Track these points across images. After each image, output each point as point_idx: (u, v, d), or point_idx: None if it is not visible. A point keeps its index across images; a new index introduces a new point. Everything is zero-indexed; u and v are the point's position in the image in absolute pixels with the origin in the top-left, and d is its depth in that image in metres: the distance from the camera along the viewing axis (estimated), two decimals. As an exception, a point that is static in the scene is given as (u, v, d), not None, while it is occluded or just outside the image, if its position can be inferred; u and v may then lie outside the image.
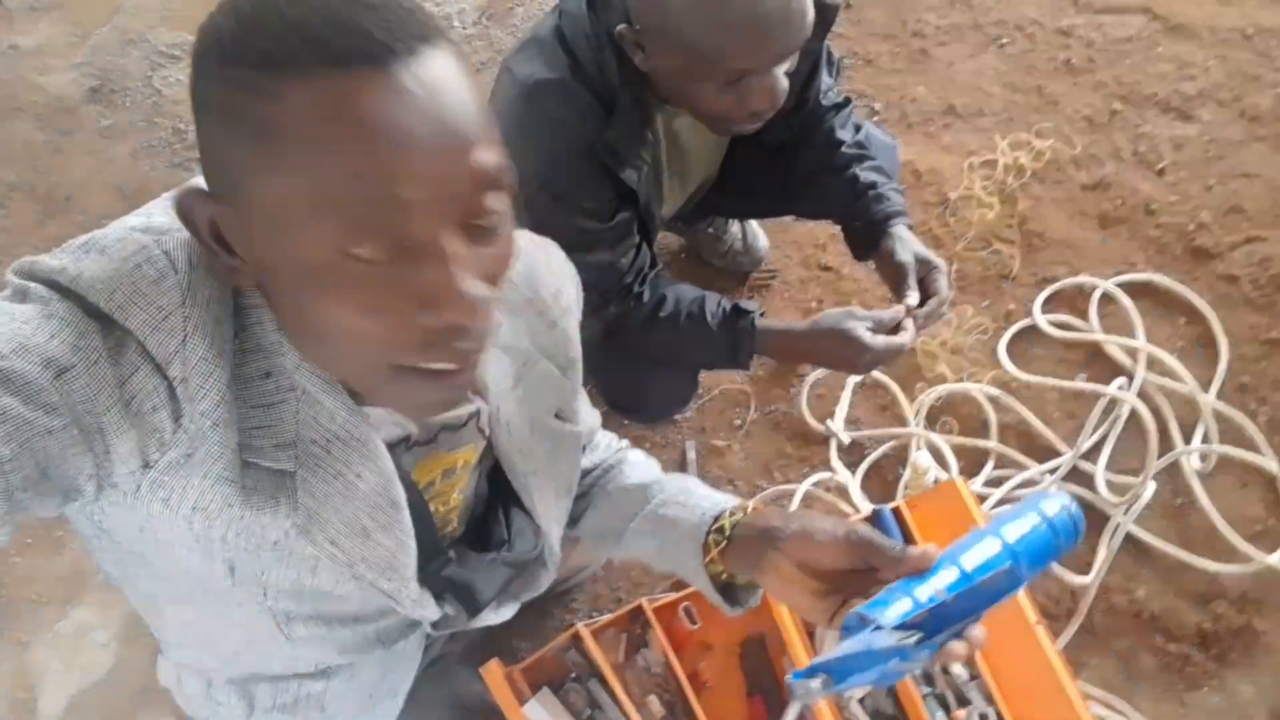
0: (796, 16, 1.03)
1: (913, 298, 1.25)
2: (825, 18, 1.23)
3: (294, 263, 0.55)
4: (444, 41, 0.54)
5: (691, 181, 1.45)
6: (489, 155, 0.55)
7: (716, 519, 0.83)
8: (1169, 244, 1.79)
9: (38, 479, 0.51)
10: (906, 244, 1.31)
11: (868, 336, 1.22)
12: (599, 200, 1.19)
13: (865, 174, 1.37)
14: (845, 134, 1.40)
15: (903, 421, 1.61)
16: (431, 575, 0.81)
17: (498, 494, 0.87)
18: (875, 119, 2.07)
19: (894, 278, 1.30)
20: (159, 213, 0.63)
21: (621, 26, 1.06)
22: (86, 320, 0.55)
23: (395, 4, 0.53)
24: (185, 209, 0.57)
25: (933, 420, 1.62)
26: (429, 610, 0.82)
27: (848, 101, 1.43)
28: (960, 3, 2.29)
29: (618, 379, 1.48)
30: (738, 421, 1.65)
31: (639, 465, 1.00)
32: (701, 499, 0.88)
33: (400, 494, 0.71)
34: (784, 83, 1.09)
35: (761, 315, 1.30)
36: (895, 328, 1.24)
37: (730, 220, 1.79)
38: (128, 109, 2.25)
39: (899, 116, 2.08)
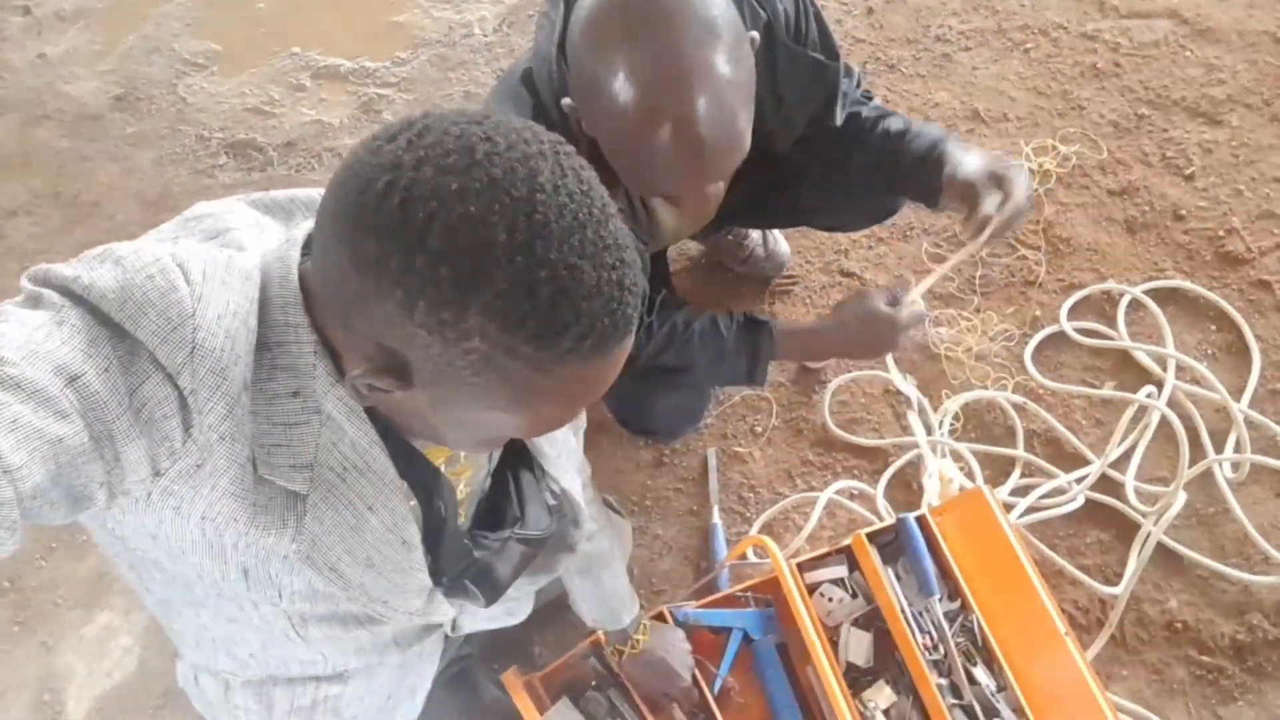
0: (716, 159, 0.96)
1: (989, 204, 1.16)
2: (825, 78, 1.21)
3: (470, 433, 0.65)
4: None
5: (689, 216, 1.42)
6: None
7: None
8: (1198, 249, 1.76)
9: (48, 487, 0.51)
10: (963, 161, 1.22)
11: (892, 311, 1.21)
12: None
13: (895, 123, 1.31)
14: (864, 109, 1.34)
15: (928, 429, 1.59)
16: (456, 578, 0.82)
17: (508, 468, 0.88)
18: (898, 124, 2.05)
19: (962, 199, 1.21)
20: (184, 235, 0.64)
21: (567, 101, 1.01)
22: (98, 328, 0.55)
23: (638, 268, 0.59)
24: (358, 390, 0.61)
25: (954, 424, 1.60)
26: (436, 614, 0.82)
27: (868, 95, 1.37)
28: (983, 7, 2.27)
29: (626, 397, 1.45)
30: (759, 428, 1.64)
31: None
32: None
33: (414, 534, 0.72)
34: (719, 190, 1.05)
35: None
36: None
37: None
38: (152, 116, 2.27)
39: (920, 121, 2.06)
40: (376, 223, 0.53)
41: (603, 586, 1.13)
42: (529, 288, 0.53)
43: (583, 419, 0.96)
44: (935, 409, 1.61)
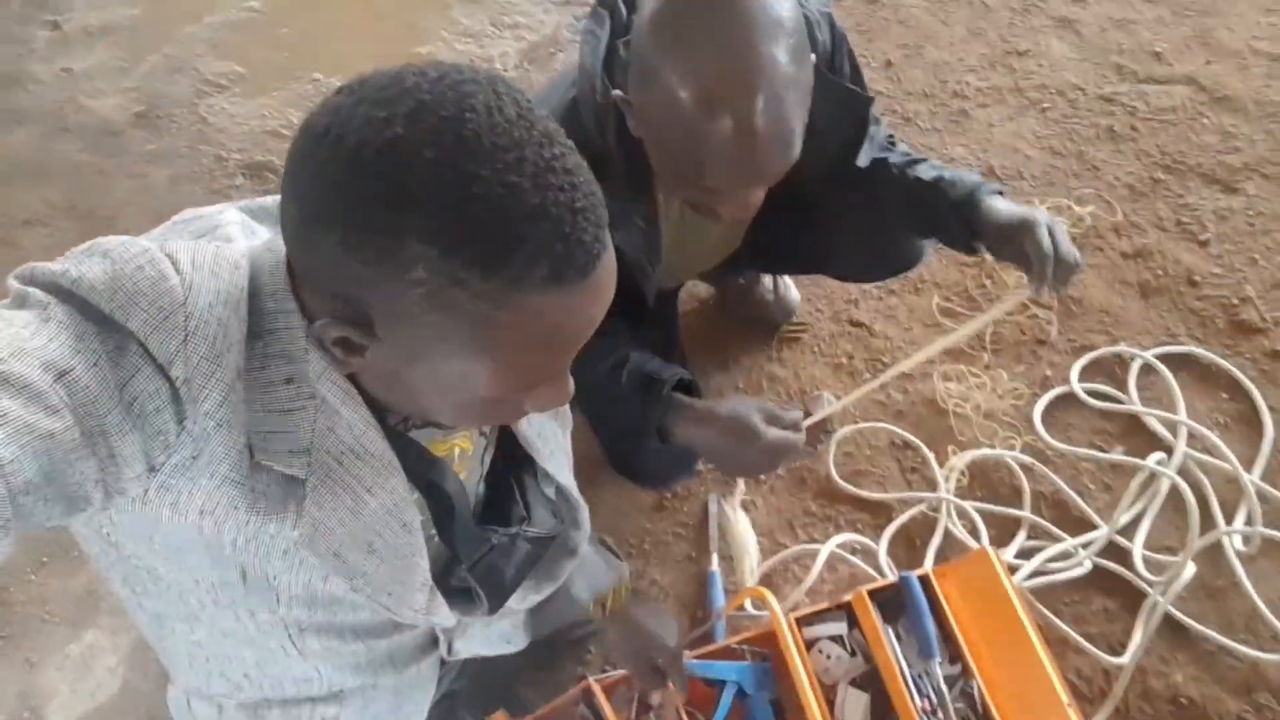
0: (768, 156, 0.97)
1: (1030, 291, 1.13)
2: (855, 110, 1.20)
3: (447, 395, 0.62)
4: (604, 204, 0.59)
5: (705, 244, 1.42)
6: None
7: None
8: (1212, 317, 1.75)
9: (41, 483, 0.50)
10: (1001, 209, 1.17)
11: (762, 428, 1.12)
12: None
13: (926, 171, 1.28)
14: (891, 155, 1.33)
15: (932, 485, 1.57)
16: (474, 566, 0.82)
17: (509, 471, 0.88)
18: (913, 177, 2.06)
19: (1008, 248, 1.16)
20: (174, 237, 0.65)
21: (617, 92, 1.03)
22: (84, 323, 0.55)
23: (596, 198, 0.57)
24: (321, 340, 0.60)
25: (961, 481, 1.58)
26: (439, 617, 0.81)
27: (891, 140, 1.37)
28: (1001, 65, 2.29)
29: (613, 441, 1.43)
30: (762, 475, 1.62)
31: None
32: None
33: (413, 517, 0.72)
34: (758, 198, 1.05)
35: (690, 383, 1.20)
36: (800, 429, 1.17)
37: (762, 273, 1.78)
38: (172, 135, 2.29)
39: (937, 175, 2.06)
40: (316, 165, 0.54)
41: (588, 555, 1.13)
42: (460, 206, 0.51)
43: (568, 415, 0.95)
44: (941, 465, 1.59)
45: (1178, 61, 2.22)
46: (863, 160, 1.31)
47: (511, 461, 0.87)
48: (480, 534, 0.82)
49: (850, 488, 1.58)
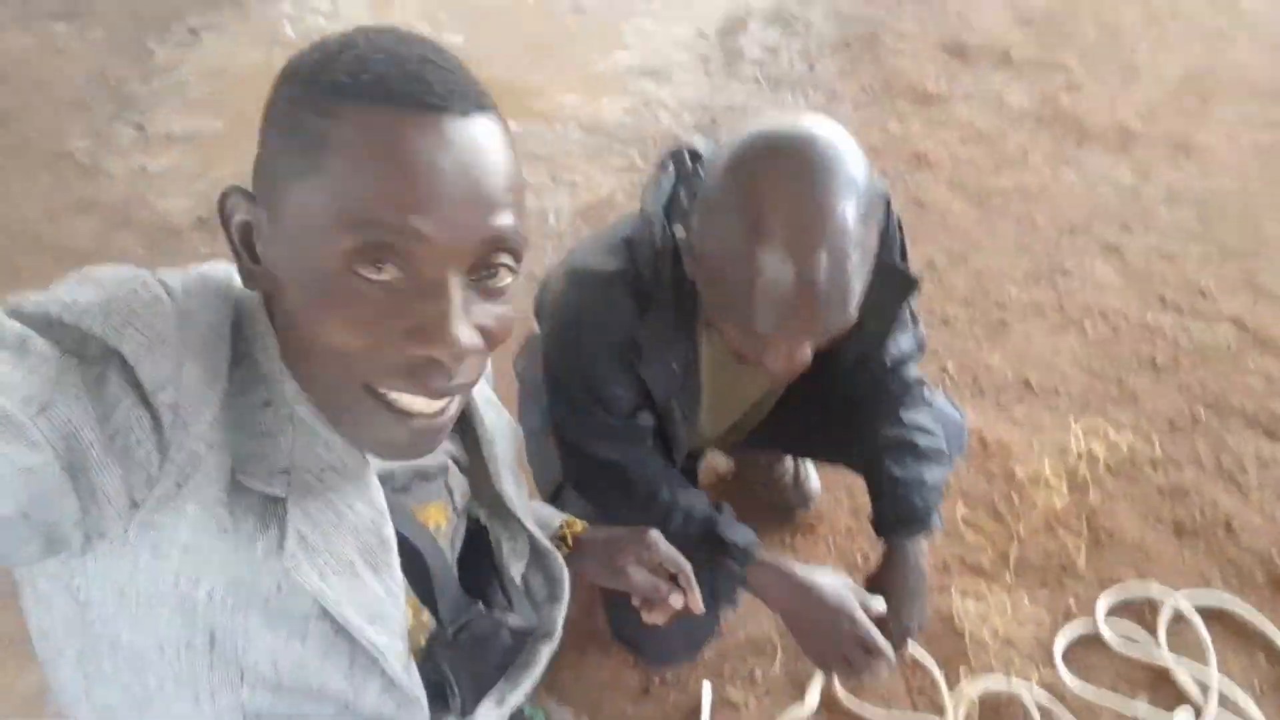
0: (825, 309, 0.97)
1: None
2: (902, 288, 1.21)
3: (306, 271, 0.59)
4: (495, 113, 0.62)
5: (738, 404, 1.40)
6: (509, 219, 0.61)
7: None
8: (1250, 569, 1.66)
9: (17, 519, 0.50)
10: (896, 576, 1.30)
11: (865, 620, 1.15)
12: (616, 395, 1.18)
13: (898, 467, 1.31)
14: (910, 414, 1.34)
15: (939, 710, 1.46)
16: (458, 633, 0.80)
17: (487, 567, 0.88)
18: (945, 379, 2.04)
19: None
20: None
21: (678, 227, 1.05)
22: (64, 357, 0.54)
23: (462, 72, 0.61)
24: (226, 205, 0.63)
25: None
26: (417, 689, 0.75)
27: (922, 382, 1.39)
28: (1045, 281, 2.30)
29: (626, 604, 1.37)
30: (759, 673, 1.52)
31: None
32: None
33: (390, 532, 0.71)
34: (806, 354, 1.05)
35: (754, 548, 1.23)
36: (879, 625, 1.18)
37: (784, 455, 1.73)
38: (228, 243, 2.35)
39: (970, 381, 2.04)
40: (291, 87, 0.61)
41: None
42: (329, 58, 0.59)
43: (518, 428, 0.94)
44: (950, 688, 1.48)
45: (1223, 300, 2.22)
46: (888, 358, 1.30)
47: (477, 549, 0.87)
48: (464, 598, 0.81)
49: (851, 700, 1.47)
